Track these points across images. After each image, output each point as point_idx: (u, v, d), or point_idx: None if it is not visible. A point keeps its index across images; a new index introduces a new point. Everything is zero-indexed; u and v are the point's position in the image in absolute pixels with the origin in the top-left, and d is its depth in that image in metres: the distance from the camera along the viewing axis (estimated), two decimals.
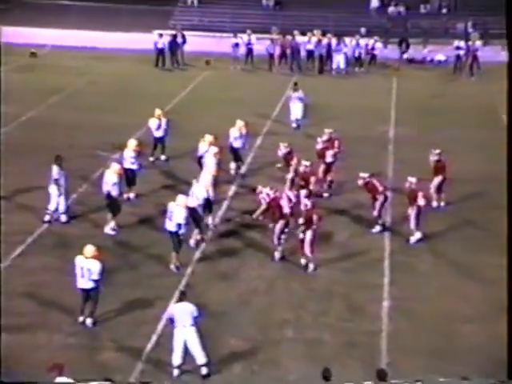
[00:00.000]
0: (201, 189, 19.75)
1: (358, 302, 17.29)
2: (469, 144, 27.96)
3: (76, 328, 16.01)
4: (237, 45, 41.29)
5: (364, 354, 15.30)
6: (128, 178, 21.93)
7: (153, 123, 25.34)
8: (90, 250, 16.15)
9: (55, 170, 20.70)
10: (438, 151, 22.17)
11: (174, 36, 40.96)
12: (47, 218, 20.81)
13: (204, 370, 14.52)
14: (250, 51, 40.97)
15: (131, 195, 22.30)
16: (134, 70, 39.51)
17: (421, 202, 19.85)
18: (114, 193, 20.15)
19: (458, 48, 40.82)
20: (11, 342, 15.37)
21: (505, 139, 29.29)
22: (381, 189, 20.43)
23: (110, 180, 20.13)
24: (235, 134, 24.37)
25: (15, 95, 33.20)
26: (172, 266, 18.50)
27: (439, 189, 22.18)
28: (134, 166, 22.09)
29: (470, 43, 41.80)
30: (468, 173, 23.23)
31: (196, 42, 42.68)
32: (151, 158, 25.33)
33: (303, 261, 18.60)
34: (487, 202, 22.77)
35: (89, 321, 16.26)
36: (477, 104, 33.97)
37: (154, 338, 15.68)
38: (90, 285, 16.04)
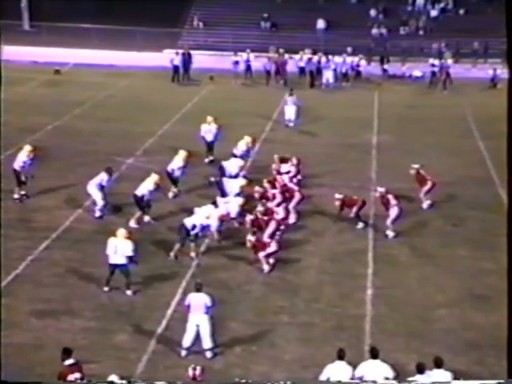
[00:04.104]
0: (233, 205, 20.03)
1: (345, 290, 17.22)
2: (442, 149, 27.87)
3: (95, 313, 15.94)
4: (237, 62, 41.24)
5: (351, 336, 15.24)
6: (172, 179, 22.25)
7: (204, 128, 25.75)
8: (122, 232, 16.68)
9: (105, 178, 20.67)
10: (416, 166, 22.02)
11: (183, 54, 40.95)
12: (98, 213, 20.74)
13: (209, 354, 14.45)
14: (248, 68, 40.89)
15: (174, 190, 22.38)
16: (147, 85, 39.38)
17: (393, 202, 19.87)
18: (146, 197, 20.16)
19: (432, 65, 40.79)
20: (38, 325, 15.37)
21: (474, 145, 29.55)
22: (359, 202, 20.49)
23: (146, 187, 20.17)
24: (243, 147, 24.22)
25: (42, 107, 33.28)
26: (172, 254, 18.42)
27: (426, 193, 22.05)
28: (178, 173, 22.24)
29: (443, 61, 41.86)
30: (441, 175, 23.12)
31: (201, 60, 42.58)
32: (206, 160, 25.38)
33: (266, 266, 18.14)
34: (459, 202, 22.70)
35: (129, 292, 16.62)
36: (449, 114, 33.88)
37: (164, 322, 15.60)
38: (122, 260, 16.42)
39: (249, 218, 19.33)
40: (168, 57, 41.48)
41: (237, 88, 39.69)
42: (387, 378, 12.33)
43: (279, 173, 22.59)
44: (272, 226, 19.02)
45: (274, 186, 21.54)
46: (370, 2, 51.65)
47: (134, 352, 14.53)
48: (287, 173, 22.52)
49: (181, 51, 41.27)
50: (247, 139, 24.46)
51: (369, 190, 22.76)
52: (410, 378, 12.39)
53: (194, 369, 12.56)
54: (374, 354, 12.75)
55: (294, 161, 23.07)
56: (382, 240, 19.88)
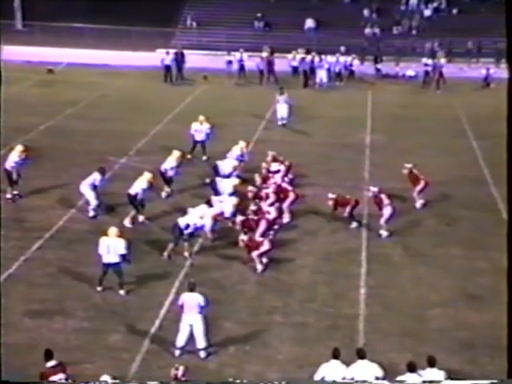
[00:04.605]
0: (228, 205, 20.06)
1: (338, 290, 17.20)
2: (435, 149, 27.89)
3: (89, 313, 15.90)
4: (230, 62, 41.27)
5: (344, 336, 15.21)
6: (165, 179, 22.24)
7: (194, 127, 25.77)
8: (113, 230, 16.63)
9: (97, 178, 20.62)
10: (408, 165, 21.99)
11: (175, 54, 40.92)
12: (92, 213, 20.71)
13: (202, 354, 14.43)
14: (242, 67, 40.84)
15: (167, 190, 22.34)
16: (140, 85, 39.32)
17: (386, 201, 19.89)
18: (139, 196, 20.14)
19: (425, 65, 40.80)
20: (31, 325, 15.33)
21: (467, 145, 29.57)
22: (352, 201, 20.49)
23: (140, 185, 20.14)
24: (237, 152, 24.09)
25: (35, 107, 33.18)
26: (165, 254, 18.39)
27: (419, 192, 22.03)
28: (171, 173, 22.20)
29: (436, 61, 41.82)
30: (435, 175, 23.13)
31: (194, 60, 42.58)
32: (189, 156, 25.39)
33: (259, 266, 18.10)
34: (452, 201, 22.71)
35: (122, 292, 16.60)
36: (442, 114, 33.89)
37: (158, 321, 15.57)
38: (115, 259, 16.38)
39: (239, 219, 19.30)
40: (161, 56, 41.43)
41: (230, 88, 39.66)
42: (377, 378, 12.35)
43: (269, 171, 22.58)
44: (263, 225, 19.01)
45: (264, 182, 21.60)
46: (364, 1, 51.73)
47: (128, 352, 14.50)
48: (277, 172, 22.50)
49: (172, 51, 41.24)
50: (242, 144, 24.31)
51: (362, 189, 22.73)
52: (399, 377, 12.39)
53: (177, 369, 12.51)
54: (362, 355, 12.76)
55: (286, 162, 23.09)
56: (375, 239, 19.88)
